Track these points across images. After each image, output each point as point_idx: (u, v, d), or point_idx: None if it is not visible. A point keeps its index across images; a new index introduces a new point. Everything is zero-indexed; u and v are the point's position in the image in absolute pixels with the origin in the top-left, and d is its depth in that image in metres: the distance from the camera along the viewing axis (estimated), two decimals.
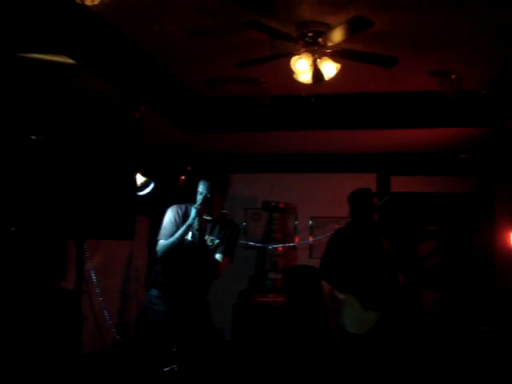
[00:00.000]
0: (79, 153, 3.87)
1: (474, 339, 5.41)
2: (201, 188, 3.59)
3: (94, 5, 2.86)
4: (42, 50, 3.50)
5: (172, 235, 3.55)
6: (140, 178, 5.34)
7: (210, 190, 3.56)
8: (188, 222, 3.50)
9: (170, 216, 3.66)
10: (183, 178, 6.95)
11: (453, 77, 4.44)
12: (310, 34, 3.67)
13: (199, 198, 3.56)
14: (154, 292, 3.67)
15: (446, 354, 5.27)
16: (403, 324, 4.87)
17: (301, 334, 6.03)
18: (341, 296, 4.14)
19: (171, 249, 3.52)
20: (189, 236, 3.54)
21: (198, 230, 3.46)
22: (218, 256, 3.61)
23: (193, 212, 3.49)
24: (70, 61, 3.56)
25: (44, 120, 3.71)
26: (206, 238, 3.59)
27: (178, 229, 3.56)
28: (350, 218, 4.40)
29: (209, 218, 3.61)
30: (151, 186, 5.52)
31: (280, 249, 6.67)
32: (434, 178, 6.78)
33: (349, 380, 4.13)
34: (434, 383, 4.96)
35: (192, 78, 4.93)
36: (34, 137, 3.57)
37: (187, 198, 3.85)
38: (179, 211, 3.67)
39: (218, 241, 3.65)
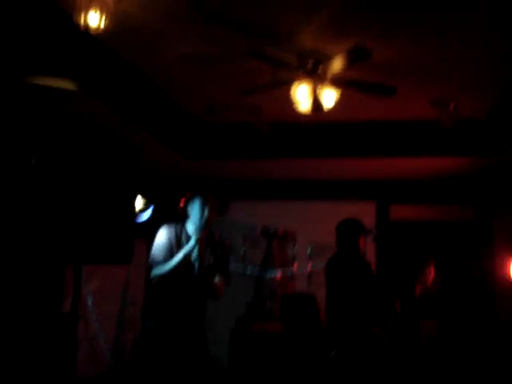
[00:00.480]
0: (78, 177, 3.86)
1: (475, 369, 5.34)
2: (198, 211, 3.53)
3: (98, 33, 2.90)
4: (46, 73, 3.54)
5: (165, 259, 3.46)
6: (139, 202, 5.34)
7: (209, 214, 3.50)
8: (186, 251, 3.42)
9: (164, 239, 3.56)
10: (183, 201, 6.93)
11: (451, 107, 4.46)
12: (310, 63, 3.73)
13: (198, 223, 3.49)
14: (150, 320, 3.62)
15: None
16: (402, 353, 4.83)
17: (298, 362, 5.96)
18: None
19: (167, 276, 3.44)
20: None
21: (197, 257, 3.39)
22: (216, 279, 3.54)
23: (192, 240, 3.43)
24: (72, 86, 3.60)
25: (44, 144, 3.72)
26: None
27: (171, 252, 3.48)
28: (336, 246, 4.39)
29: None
30: (150, 210, 5.52)
31: (278, 275, 6.65)
32: (434, 206, 6.76)
33: None
34: None
35: (193, 104, 4.97)
36: (33, 161, 3.57)
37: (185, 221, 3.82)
38: (172, 233, 3.58)
39: (213, 258, 3.58)
